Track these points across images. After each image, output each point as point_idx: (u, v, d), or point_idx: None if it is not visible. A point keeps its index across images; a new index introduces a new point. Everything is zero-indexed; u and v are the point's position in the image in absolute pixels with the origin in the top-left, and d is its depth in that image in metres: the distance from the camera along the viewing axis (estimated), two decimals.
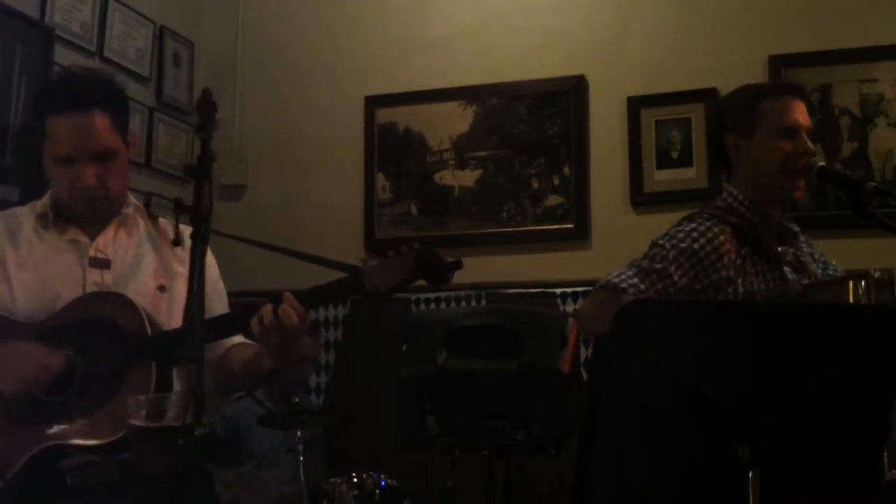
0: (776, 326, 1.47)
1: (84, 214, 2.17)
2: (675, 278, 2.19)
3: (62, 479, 1.97)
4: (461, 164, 4.05)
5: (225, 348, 2.21)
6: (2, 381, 1.98)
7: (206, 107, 1.73)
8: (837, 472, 1.54)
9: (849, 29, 3.67)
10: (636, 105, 3.86)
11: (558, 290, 3.79)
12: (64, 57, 3.53)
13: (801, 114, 2.33)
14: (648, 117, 3.84)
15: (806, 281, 2.27)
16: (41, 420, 1.98)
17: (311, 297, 1.99)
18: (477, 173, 4.03)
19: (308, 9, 4.33)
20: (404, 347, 2.84)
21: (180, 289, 2.20)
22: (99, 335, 2.02)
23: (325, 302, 2.05)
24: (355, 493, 3.17)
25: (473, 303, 3.89)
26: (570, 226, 3.88)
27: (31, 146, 3.33)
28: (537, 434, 2.63)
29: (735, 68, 3.67)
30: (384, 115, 4.15)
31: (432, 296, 3.91)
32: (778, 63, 3.70)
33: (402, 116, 4.13)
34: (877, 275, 1.97)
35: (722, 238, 2.23)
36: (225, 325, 2.09)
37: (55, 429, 1.97)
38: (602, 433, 1.42)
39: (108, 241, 2.18)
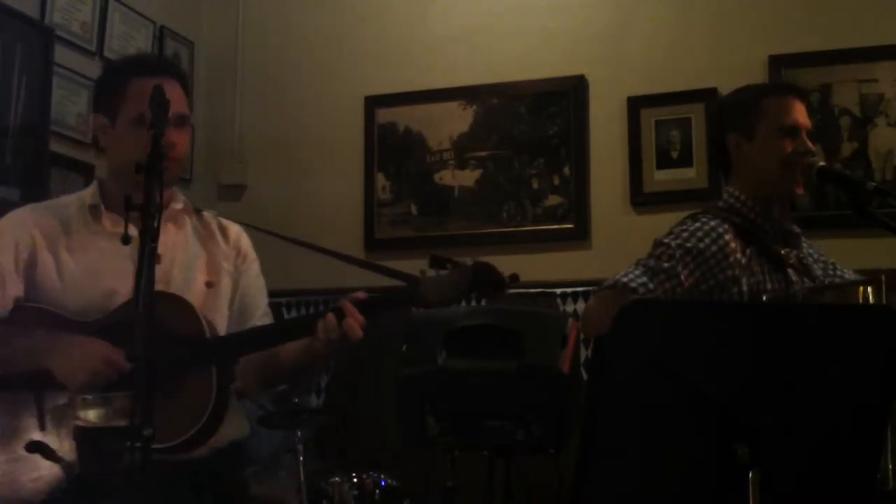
0: (776, 326, 1.47)
1: (138, 189, 2.16)
2: (683, 278, 2.19)
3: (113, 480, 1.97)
4: (461, 164, 4.05)
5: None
6: (70, 376, 1.94)
7: (159, 103, 1.73)
8: (837, 472, 1.54)
9: (849, 29, 3.67)
10: (636, 105, 3.86)
11: (558, 290, 3.79)
12: (64, 57, 3.54)
13: (801, 114, 2.33)
14: (648, 117, 3.84)
15: (810, 283, 2.27)
16: (103, 420, 1.95)
17: (370, 307, 2.02)
18: (477, 173, 4.03)
19: (308, 9, 4.33)
20: (404, 347, 2.84)
21: (227, 285, 2.23)
22: (156, 337, 2.01)
23: (383, 311, 2.07)
24: (355, 493, 3.17)
25: (473, 303, 3.89)
26: (570, 226, 3.88)
27: (31, 146, 3.34)
28: (537, 434, 2.62)
29: (735, 68, 3.67)
30: (384, 115, 4.15)
31: None
32: (778, 63, 3.70)
33: (402, 116, 4.13)
34: (887, 279, 1.97)
35: (727, 237, 2.23)
36: (292, 331, 2.10)
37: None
38: (602, 433, 1.42)
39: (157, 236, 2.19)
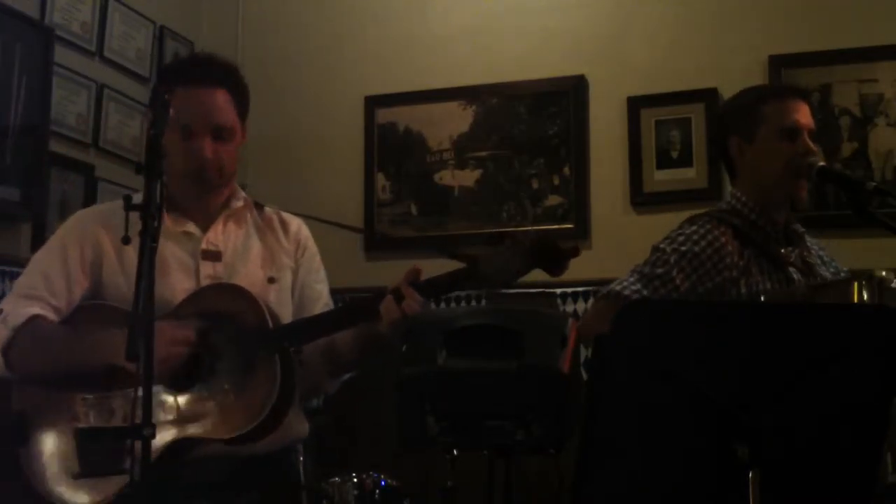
0: (776, 326, 1.47)
1: (193, 192, 2.19)
2: (678, 282, 2.19)
3: (180, 474, 2.00)
4: (461, 164, 4.05)
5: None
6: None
7: (159, 104, 1.74)
8: (837, 472, 1.54)
9: (849, 29, 3.66)
10: (636, 105, 3.85)
11: (558, 290, 3.79)
12: (64, 57, 3.53)
13: (802, 115, 2.32)
14: (648, 117, 3.84)
15: (811, 282, 2.27)
16: (171, 412, 2.00)
17: (430, 288, 2.04)
18: (477, 173, 4.03)
19: (308, 9, 4.33)
20: (404, 347, 2.84)
21: (288, 280, 2.27)
22: (220, 328, 2.05)
23: (443, 293, 2.10)
24: (355, 493, 3.17)
25: (473, 303, 3.89)
26: (570, 226, 3.88)
27: (31, 146, 3.34)
28: (537, 434, 2.62)
29: (735, 68, 3.67)
30: (384, 115, 4.15)
31: None
32: (778, 63, 3.70)
33: (402, 116, 4.13)
34: (883, 273, 1.97)
35: (723, 240, 2.23)
36: (352, 315, 2.12)
37: (187, 422, 1.99)
38: (602, 433, 1.42)
39: (219, 234, 2.22)
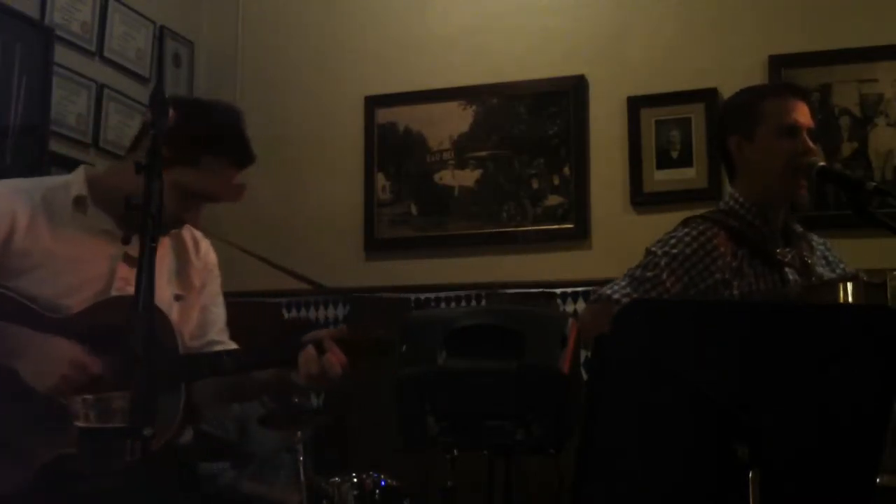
0: (776, 326, 1.47)
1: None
2: (668, 285, 2.19)
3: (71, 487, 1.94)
4: (461, 164, 4.04)
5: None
6: (38, 379, 1.88)
7: (159, 104, 1.73)
8: (837, 472, 1.54)
9: (849, 29, 3.66)
10: (636, 105, 3.85)
11: (558, 290, 3.79)
12: (64, 57, 3.54)
13: (802, 114, 2.32)
14: (648, 117, 3.84)
15: (805, 283, 2.27)
16: (66, 426, 1.91)
17: (351, 347, 2.01)
18: (477, 173, 4.03)
19: (308, 9, 4.33)
20: (404, 347, 2.84)
21: (193, 299, 2.20)
22: (123, 347, 1.98)
23: (362, 355, 2.05)
24: (355, 493, 3.17)
25: (473, 303, 3.89)
26: (570, 226, 3.87)
27: (31, 146, 3.34)
28: (537, 434, 2.62)
29: (735, 68, 3.67)
30: (384, 115, 4.15)
31: (432, 296, 3.91)
32: (778, 63, 3.70)
33: (402, 116, 4.13)
34: (865, 277, 1.97)
35: (715, 242, 2.22)
36: (270, 361, 2.07)
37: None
38: (602, 433, 1.42)
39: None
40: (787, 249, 2.33)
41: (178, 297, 2.16)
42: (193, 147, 2.05)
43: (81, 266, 2.04)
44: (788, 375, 1.46)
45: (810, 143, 2.30)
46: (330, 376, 1.94)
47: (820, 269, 2.36)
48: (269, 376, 2.13)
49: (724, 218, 2.30)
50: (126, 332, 1.92)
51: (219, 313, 2.29)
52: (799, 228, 2.42)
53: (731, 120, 2.39)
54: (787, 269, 2.28)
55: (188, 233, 2.28)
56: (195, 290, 2.23)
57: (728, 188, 2.44)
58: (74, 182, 2.13)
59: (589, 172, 3.90)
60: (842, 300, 1.97)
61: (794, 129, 2.29)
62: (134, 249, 2.04)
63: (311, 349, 1.95)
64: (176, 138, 1.95)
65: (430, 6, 4.18)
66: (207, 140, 2.10)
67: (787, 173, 2.29)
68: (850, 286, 1.98)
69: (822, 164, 2.31)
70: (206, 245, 2.31)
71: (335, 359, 1.95)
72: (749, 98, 2.38)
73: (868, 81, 3.62)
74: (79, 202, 2.10)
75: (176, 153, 2.00)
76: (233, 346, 2.26)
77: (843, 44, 3.64)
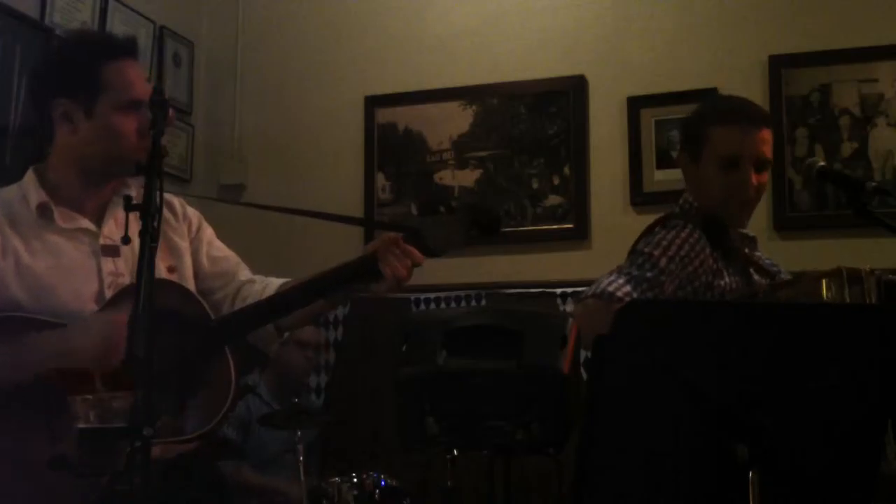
0: (776, 326, 1.47)
1: (81, 183, 2.03)
2: (666, 286, 2.18)
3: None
4: (461, 164, 4.05)
5: (275, 287, 2.14)
6: (106, 355, 1.80)
7: (159, 104, 1.72)
8: (837, 472, 1.54)
9: (849, 29, 3.67)
10: (636, 105, 3.86)
11: (558, 290, 3.79)
12: None
13: (750, 143, 2.20)
14: (648, 117, 3.84)
15: (771, 281, 2.26)
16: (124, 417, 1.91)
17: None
18: (477, 173, 4.03)
19: (308, 9, 4.33)
20: (404, 347, 2.84)
21: (188, 265, 2.13)
22: (161, 327, 1.89)
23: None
24: (355, 493, 3.18)
25: (473, 303, 3.89)
26: (570, 226, 3.88)
27: (31, 146, 3.34)
28: (537, 434, 2.63)
29: (735, 68, 3.67)
30: (384, 115, 4.15)
31: (432, 296, 3.91)
32: (778, 63, 3.70)
33: (402, 116, 4.13)
34: (847, 273, 1.97)
35: (702, 242, 2.21)
36: (349, 275, 2.01)
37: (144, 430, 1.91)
38: (602, 433, 1.42)
39: (114, 228, 2.04)
40: (747, 250, 2.33)
41: (171, 269, 2.08)
42: (83, 97, 1.98)
43: (68, 275, 1.97)
44: (788, 375, 1.46)
45: (752, 176, 2.23)
46: (412, 264, 1.91)
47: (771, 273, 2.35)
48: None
49: (696, 219, 2.27)
50: (166, 311, 1.88)
51: (231, 256, 2.21)
52: (751, 234, 2.40)
53: (684, 136, 2.36)
54: (751, 270, 2.28)
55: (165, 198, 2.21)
56: (186, 254, 2.14)
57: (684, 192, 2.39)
58: (29, 189, 2.03)
59: (589, 172, 3.90)
60: (825, 296, 1.97)
61: (734, 160, 2.23)
62: (107, 238, 2.02)
63: (392, 254, 1.91)
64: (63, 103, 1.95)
65: (430, 6, 4.18)
66: (80, 81, 2.01)
67: (726, 203, 2.24)
68: (831, 281, 1.97)
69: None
70: (178, 202, 2.20)
71: (411, 251, 1.91)
72: (703, 117, 2.32)
73: (868, 81, 3.62)
74: (43, 210, 2.00)
75: (77, 109, 1.97)
76: (269, 279, 2.20)
77: (843, 44, 3.64)
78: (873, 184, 2.19)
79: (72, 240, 2.00)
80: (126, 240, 1.68)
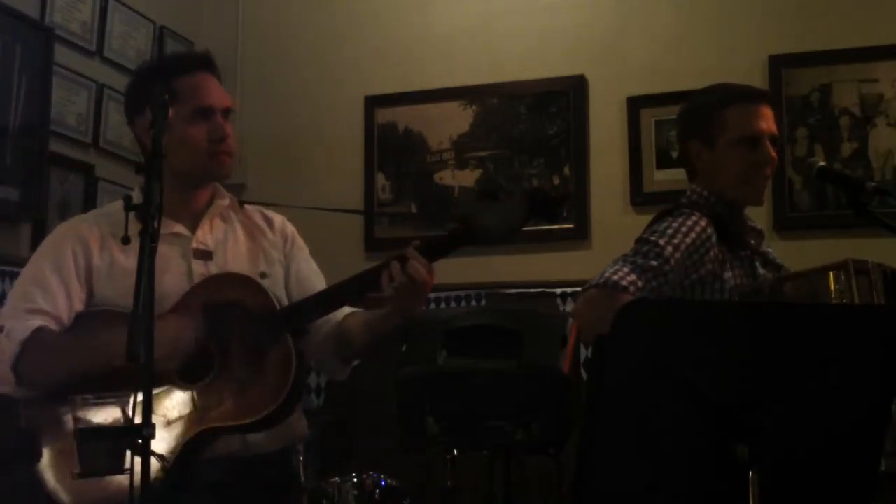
0: (776, 326, 1.47)
1: (180, 192, 2.19)
2: (670, 276, 2.18)
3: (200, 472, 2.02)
4: (461, 164, 4.05)
5: (337, 320, 2.26)
6: (169, 358, 1.99)
7: (159, 104, 1.74)
8: (837, 471, 1.54)
9: (849, 29, 3.67)
10: (636, 105, 3.86)
11: (558, 290, 3.79)
12: (64, 57, 3.53)
13: (764, 120, 2.27)
14: (648, 117, 3.84)
15: (777, 275, 2.27)
16: (189, 406, 2.02)
17: (431, 251, 2.03)
18: (477, 173, 4.03)
19: (308, 9, 4.33)
20: (404, 347, 2.84)
21: (280, 274, 2.27)
22: (226, 315, 2.06)
23: (444, 254, 2.08)
24: (355, 493, 3.17)
25: (473, 303, 3.89)
26: (570, 226, 3.88)
27: (31, 146, 3.34)
28: (537, 434, 2.62)
29: (735, 68, 3.66)
30: (384, 115, 4.15)
31: (432, 296, 3.90)
32: (778, 63, 3.70)
33: (402, 116, 4.13)
34: (853, 265, 1.98)
35: (709, 231, 2.22)
36: (358, 287, 2.10)
37: (206, 412, 2.01)
38: (602, 433, 1.42)
39: (208, 233, 2.22)
40: (753, 242, 2.34)
41: (263, 276, 2.21)
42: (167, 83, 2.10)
43: (161, 274, 2.06)
44: (788, 375, 1.46)
45: (772, 152, 2.27)
46: (418, 281, 1.98)
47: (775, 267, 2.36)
48: (370, 318, 2.18)
49: (701, 209, 2.29)
50: (230, 303, 2.05)
51: (316, 279, 2.33)
52: (758, 226, 2.42)
53: (693, 124, 2.37)
54: (756, 263, 2.29)
55: (258, 213, 2.35)
56: (279, 265, 2.29)
57: (689, 185, 2.41)
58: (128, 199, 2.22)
59: (589, 172, 3.90)
60: (832, 288, 1.97)
61: (755, 139, 2.26)
62: (199, 242, 2.19)
63: (395, 264, 2.00)
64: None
65: (430, 6, 4.18)
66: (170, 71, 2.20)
67: (746, 183, 2.28)
68: (841, 274, 1.98)
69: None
70: (279, 219, 2.38)
71: (418, 265, 1.98)
72: (710, 103, 2.34)
73: (868, 81, 3.62)
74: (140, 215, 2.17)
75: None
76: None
77: (843, 44, 3.64)
78: (873, 184, 2.20)
79: (165, 243, 2.10)
80: (126, 240, 1.71)
